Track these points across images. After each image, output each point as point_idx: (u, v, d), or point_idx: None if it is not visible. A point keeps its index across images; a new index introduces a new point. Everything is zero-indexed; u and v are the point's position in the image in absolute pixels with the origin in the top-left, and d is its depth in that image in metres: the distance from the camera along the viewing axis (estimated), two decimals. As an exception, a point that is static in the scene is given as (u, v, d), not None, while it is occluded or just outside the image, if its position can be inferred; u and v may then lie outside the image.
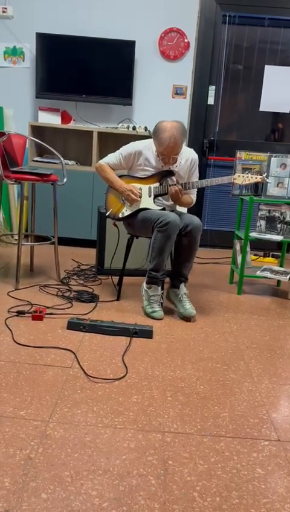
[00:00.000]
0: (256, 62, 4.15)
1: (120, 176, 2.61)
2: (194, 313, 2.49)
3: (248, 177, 2.57)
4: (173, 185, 2.51)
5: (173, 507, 1.17)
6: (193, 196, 2.69)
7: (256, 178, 2.59)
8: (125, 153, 2.59)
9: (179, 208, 2.77)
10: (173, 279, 2.64)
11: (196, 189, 2.70)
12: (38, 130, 4.04)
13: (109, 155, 2.64)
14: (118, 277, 2.83)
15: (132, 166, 2.61)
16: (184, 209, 2.91)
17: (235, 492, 1.24)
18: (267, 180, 2.93)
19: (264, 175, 2.67)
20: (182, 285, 2.58)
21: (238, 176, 2.59)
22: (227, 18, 4.05)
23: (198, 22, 4.00)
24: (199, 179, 2.67)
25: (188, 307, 2.50)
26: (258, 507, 1.19)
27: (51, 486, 1.20)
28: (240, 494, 1.23)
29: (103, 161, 2.64)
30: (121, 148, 2.62)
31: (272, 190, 3.02)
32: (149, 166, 2.57)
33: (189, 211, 2.96)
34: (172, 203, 2.64)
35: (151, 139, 2.62)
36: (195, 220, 2.48)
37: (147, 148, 2.57)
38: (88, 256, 3.71)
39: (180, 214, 2.55)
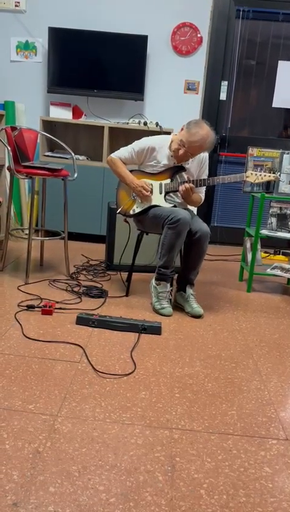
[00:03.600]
0: (269, 57, 4.11)
1: (131, 171, 2.60)
2: (201, 311, 2.48)
3: (260, 175, 2.53)
4: (184, 182, 2.50)
5: (180, 504, 1.17)
6: (201, 195, 2.68)
7: (269, 176, 2.55)
8: (138, 148, 2.57)
9: (189, 207, 2.75)
10: (179, 284, 2.63)
11: (204, 188, 2.68)
12: (49, 125, 4.05)
13: (121, 149, 2.63)
14: (127, 273, 2.83)
15: (143, 162, 2.60)
16: (194, 209, 2.89)
17: (243, 490, 1.24)
18: (280, 179, 2.90)
19: (278, 173, 2.64)
20: (188, 287, 2.58)
21: (251, 173, 2.55)
22: (241, 13, 4.01)
23: (211, 16, 3.97)
24: (210, 175, 2.65)
25: (195, 306, 2.50)
26: (265, 506, 1.19)
27: (59, 480, 1.21)
28: (247, 493, 1.23)
29: (114, 155, 2.62)
30: (134, 143, 2.60)
31: (284, 187, 3.00)
32: (160, 163, 2.56)
33: (200, 207, 2.95)
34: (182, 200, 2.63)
35: (166, 136, 2.60)
36: (204, 227, 2.46)
37: (161, 144, 2.56)
38: (97, 251, 3.71)
39: (191, 216, 2.54)
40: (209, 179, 2.53)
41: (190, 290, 2.56)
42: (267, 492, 1.24)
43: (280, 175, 2.90)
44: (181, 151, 2.46)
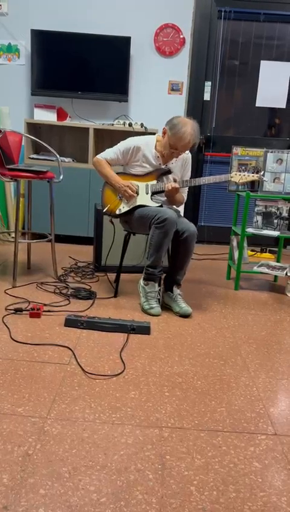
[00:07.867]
0: (252, 57, 4.14)
1: (117, 173, 2.61)
2: (189, 311, 2.49)
3: (244, 175, 2.57)
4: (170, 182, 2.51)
5: (171, 501, 1.18)
6: (184, 195, 2.70)
7: (253, 176, 2.59)
8: (123, 148, 2.58)
9: (176, 208, 2.76)
10: (167, 284, 2.64)
11: (187, 188, 2.70)
12: (34, 127, 4.03)
13: (107, 150, 2.63)
14: (115, 274, 2.83)
15: (129, 162, 2.61)
16: (181, 209, 2.91)
17: (232, 486, 1.25)
18: (264, 179, 2.93)
19: (261, 173, 2.67)
20: (175, 288, 2.58)
21: (235, 174, 2.59)
22: (222, 13, 4.04)
23: (193, 17, 3.99)
24: (196, 175, 2.67)
25: (184, 306, 2.51)
26: (255, 500, 1.20)
27: (49, 482, 1.21)
28: (237, 488, 1.24)
29: (100, 156, 2.62)
30: (119, 143, 2.61)
31: (269, 186, 3.03)
32: (146, 163, 2.57)
33: (186, 207, 2.96)
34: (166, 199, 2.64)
35: (151, 136, 2.62)
36: (191, 227, 2.48)
37: (146, 144, 2.57)
38: (85, 253, 3.71)
39: (178, 216, 2.55)
40: (195, 180, 2.55)
41: (177, 291, 2.57)
42: (256, 487, 1.25)
43: (263, 174, 2.93)
44: (175, 154, 2.51)
